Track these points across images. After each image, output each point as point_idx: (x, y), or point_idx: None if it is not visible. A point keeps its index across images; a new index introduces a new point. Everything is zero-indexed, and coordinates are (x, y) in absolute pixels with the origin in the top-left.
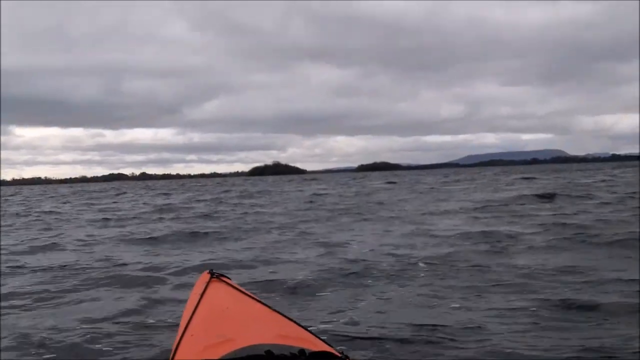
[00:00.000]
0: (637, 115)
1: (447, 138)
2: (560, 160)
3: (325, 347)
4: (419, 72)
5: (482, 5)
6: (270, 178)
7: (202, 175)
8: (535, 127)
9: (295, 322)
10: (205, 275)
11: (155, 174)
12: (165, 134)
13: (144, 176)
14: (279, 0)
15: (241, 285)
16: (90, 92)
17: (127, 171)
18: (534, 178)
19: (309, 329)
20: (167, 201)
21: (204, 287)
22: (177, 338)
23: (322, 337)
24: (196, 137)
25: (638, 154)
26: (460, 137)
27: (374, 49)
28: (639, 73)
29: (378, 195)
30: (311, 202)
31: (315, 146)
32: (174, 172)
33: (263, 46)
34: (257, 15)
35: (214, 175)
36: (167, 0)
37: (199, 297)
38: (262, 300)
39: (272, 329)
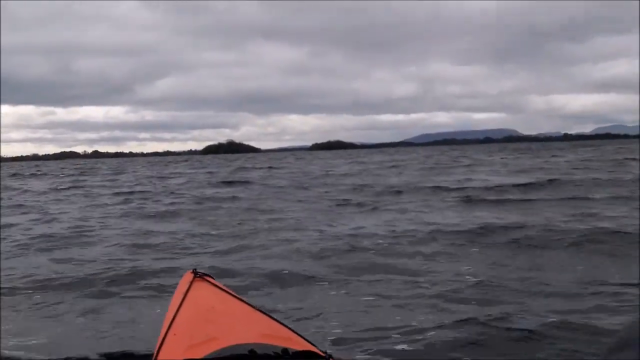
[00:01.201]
0: (588, 95)
1: (400, 117)
2: (513, 139)
3: (308, 347)
4: (372, 51)
5: None
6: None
7: (156, 154)
8: (487, 106)
9: (279, 321)
10: (189, 275)
11: (107, 152)
12: (117, 112)
13: (96, 154)
14: None
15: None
16: (40, 70)
17: (79, 149)
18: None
19: (292, 328)
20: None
21: (187, 286)
22: (160, 338)
23: (305, 336)
24: (149, 115)
25: (589, 134)
26: (414, 116)
27: (327, 27)
28: (590, 53)
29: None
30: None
31: (268, 125)
32: (126, 150)
33: (214, 24)
34: None
35: (167, 153)
36: None
37: (182, 296)
38: (246, 300)
39: (255, 328)
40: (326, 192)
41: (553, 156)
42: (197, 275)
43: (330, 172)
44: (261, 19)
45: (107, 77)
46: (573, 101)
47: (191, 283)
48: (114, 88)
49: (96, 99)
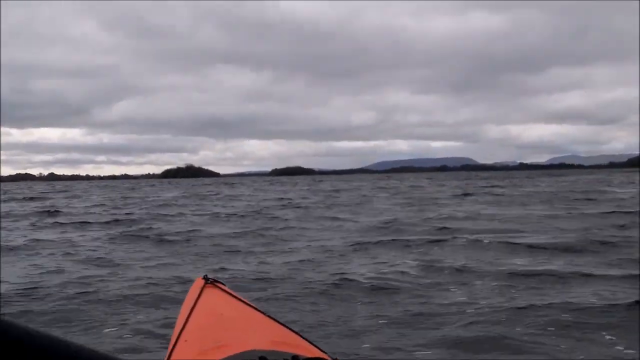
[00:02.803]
0: (543, 126)
1: (359, 144)
2: (470, 167)
3: (319, 354)
4: (331, 78)
5: (395, 14)
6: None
7: (113, 177)
8: (445, 135)
9: (289, 328)
10: (200, 281)
11: (64, 175)
12: (74, 134)
13: (52, 177)
14: (190, 1)
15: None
16: None
17: (34, 171)
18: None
19: (303, 335)
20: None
21: (198, 292)
22: (171, 344)
23: (316, 343)
24: (106, 137)
25: (544, 163)
26: (372, 144)
27: (286, 54)
28: (545, 84)
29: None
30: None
31: (227, 150)
32: (83, 173)
33: (174, 48)
34: (167, 17)
35: (125, 177)
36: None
37: (193, 302)
38: (257, 306)
39: (266, 335)
40: None
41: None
42: (208, 281)
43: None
44: (221, 44)
45: (64, 98)
46: (528, 131)
47: (202, 289)
48: (71, 110)
49: (53, 121)
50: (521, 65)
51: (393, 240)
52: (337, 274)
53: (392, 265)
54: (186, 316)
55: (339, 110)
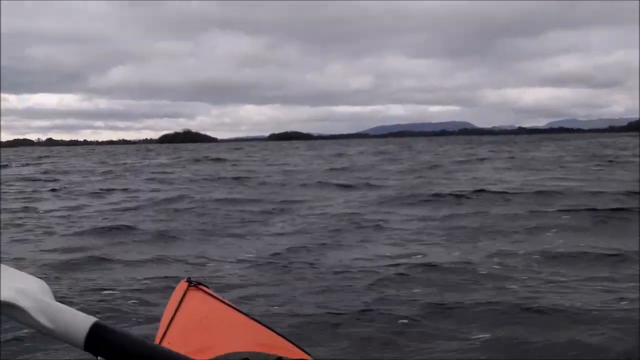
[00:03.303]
0: (541, 89)
1: (356, 109)
2: (468, 132)
3: (303, 355)
4: (328, 43)
5: None
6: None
7: (111, 142)
8: (442, 99)
9: (273, 330)
10: (183, 284)
11: (62, 140)
12: (70, 100)
13: (50, 142)
14: None
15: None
16: None
17: (32, 136)
18: None
19: (287, 337)
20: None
21: (181, 295)
22: None
23: (300, 344)
24: (103, 103)
25: (543, 127)
26: (369, 108)
27: (282, 19)
28: (542, 48)
29: None
30: None
31: (224, 115)
32: (81, 139)
33: (168, 14)
34: None
35: (123, 142)
36: None
37: (176, 305)
38: (241, 309)
39: (250, 337)
40: None
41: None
42: (192, 284)
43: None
44: (216, 10)
45: (60, 64)
46: (526, 95)
47: (185, 292)
48: (67, 76)
49: (49, 87)
50: (518, 29)
51: None
52: None
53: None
54: (169, 319)
55: (335, 75)
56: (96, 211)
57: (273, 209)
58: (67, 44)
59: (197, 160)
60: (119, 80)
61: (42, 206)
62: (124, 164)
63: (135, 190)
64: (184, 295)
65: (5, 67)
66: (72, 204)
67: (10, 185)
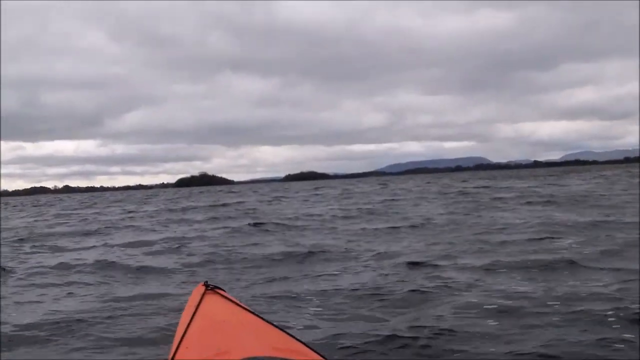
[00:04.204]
0: (556, 122)
1: (371, 147)
2: (484, 167)
3: (319, 359)
4: (341, 81)
5: (403, 14)
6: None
7: (127, 187)
8: (457, 135)
9: (289, 334)
10: (200, 288)
11: (78, 187)
12: (87, 146)
13: (67, 189)
14: (197, 8)
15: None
16: (6, 104)
17: (49, 184)
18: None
19: (304, 341)
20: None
21: (199, 299)
22: (172, 350)
23: (315, 349)
24: (119, 148)
25: (558, 160)
26: (385, 146)
27: (296, 59)
28: (556, 81)
29: None
30: None
31: (240, 157)
32: (97, 185)
33: (183, 57)
34: (175, 26)
35: (139, 187)
36: (83, 10)
37: (194, 309)
38: (258, 313)
39: (266, 342)
40: None
41: None
42: (209, 288)
43: None
44: (230, 51)
45: (76, 110)
46: (540, 128)
47: (203, 296)
48: (83, 121)
49: (65, 133)
50: (531, 63)
51: None
52: None
53: None
54: (187, 322)
55: (349, 113)
56: None
57: None
58: (83, 89)
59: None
60: (135, 124)
61: None
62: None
63: None
64: (201, 298)
65: (21, 114)
66: None
67: None
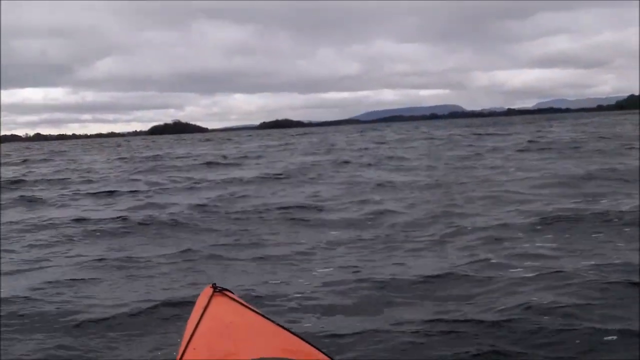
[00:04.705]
0: (530, 71)
1: (346, 95)
2: (458, 115)
3: None
4: (316, 30)
5: None
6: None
7: (100, 135)
8: (432, 83)
9: (299, 336)
10: (208, 290)
11: (50, 135)
12: (57, 94)
13: (38, 137)
14: None
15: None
16: None
17: (20, 132)
18: None
19: (313, 343)
20: None
21: (207, 301)
22: (180, 352)
23: (326, 351)
24: (90, 96)
25: (532, 108)
26: (360, 94)
27: (271, 6)
28: (532, 30)
29: None
30: None
31: (213, 105)
32: (69, 132)
33: (155, 3)
34: None
35: (112, 135)
36: None
37: (201, 311)
38: (266, 315)
39: (276, 344)
40: None
41: None
42: (217, 290)
43: None
44: None
45: (46, 58)
46: (514, 77)
47: (211, 298)
48: (54, 69)
49: (36, 81)
50: (505, 12)
51: None
52: None
53: None
54: (195, 324)
55: (325, 62)
56: None
57: None
58: (54, 38)
59: None
60: (106, 72)
61: None
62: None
63: None
64: (209, 301)
65: None
66: None
67: None
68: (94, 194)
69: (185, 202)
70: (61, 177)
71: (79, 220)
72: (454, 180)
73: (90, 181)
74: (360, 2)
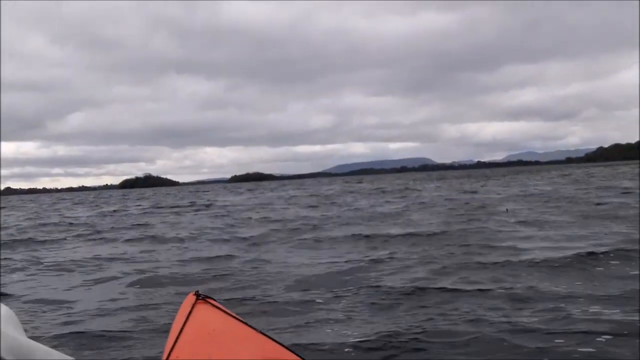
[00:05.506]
0: (499, 123)
1: (317, 148)
2: (428, 168)
3: None
4: (287, 83)
5: (347, 15)
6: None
7: (70, 189)
8: (402, 136)
9: (281, 344)
10: (191, 297)
11: (20, 188)
12: (28, 148)
13: (9, 191)
14: (140, 10)
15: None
16: None
17: None
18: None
19: (295, 351)
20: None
21: (189, 308)
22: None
23: (306, 358)
24: (61, 150)
25: (501, 161)
26: (330, 147)
27: (241, 61)
28: (499, 82)
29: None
30: None
31: (185, 158)
32: (40, 186)
33: (126, 59)
34: (118, 28)
35: (82, 188)
36: (23, 15)
37: (184, 319)
38: (249, 322)
39: (258, 351)
40: None
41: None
42: (200, 297)
43: None
44: (175, 53)
45: (17, 112)
46: (484, 129)
47: (193, 305)
48: (25, 123)
49: (6, 135)
50: (474, 64)
51: None
52: None
53: None
54: (178, 332)
55: (295, 115)
56: None
57: None
58: (25, 92)
59: None
60: (77, 126)
61: None
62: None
63: None
64: (192, 308)
65: None
66: None
67: None
68: None
69: None
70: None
71: None
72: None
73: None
74: (329, 54)
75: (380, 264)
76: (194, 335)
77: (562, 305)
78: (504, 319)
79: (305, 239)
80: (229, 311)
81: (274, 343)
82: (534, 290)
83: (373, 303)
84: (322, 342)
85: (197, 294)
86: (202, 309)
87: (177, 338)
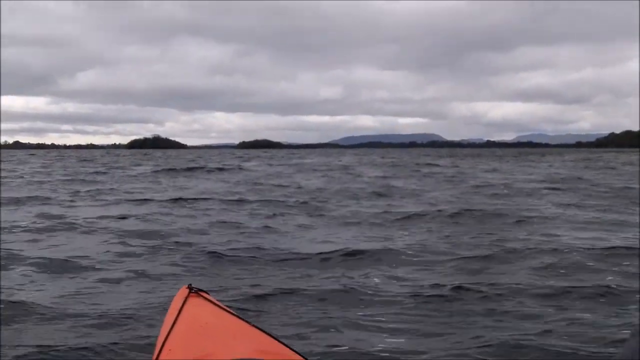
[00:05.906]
0: (510, 104)
1: (325, 118)
2: (437, 144)
3: None
4: (298, 52)
5: None
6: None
7: (79, 146)
8: (412, 111)
9: (274, 337)
10: (184, 290)
11: (29, 143)
12: (38, 103)
13: (17, 145)
14: None
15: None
16: None
17: None
18: None
19: (288, 344)
20: None
21: (182, 302)
22: (155, 353)
23: (302, 353)
24: (71, 107)
25: (511, 141)
26: (339, 118)
27: (253, 27)
28: (512, 63)
29: None
30: None
31: (193, 121)
32: (48, 142)
33: (138, 20)
34: None
35: (91, 146)
36: None
37: (177, 312)
38: (242, 316)
39: (251, 345)
40: None
41: None
42: (192, 290)
43: None
44: (186, 17)
45: (28, 67)
46: (494, 109)
47: (186, 299)
48: (35, 78)
49: (16, 89)
50: (487, 44)
51: None
52: None
53: None
54: (170, 325)
55: (305, 85)
56: None
57: None
58: (36, 47)
59: None
60: (87, 84)
61: None
62: None
63: None
64: (184, 301)
65: None
66: None
67: None
68: None
69: None
70: None
71: None
72: None
73: None
74: (343, 27)
75: None
76: (187, 329)
77: None
78: None
79: None
80: (222, 305)
81: (268, 337)
82: None
83: None
84: None
85: (190, 288)
86: (195, 303)
87: (170, 332)
